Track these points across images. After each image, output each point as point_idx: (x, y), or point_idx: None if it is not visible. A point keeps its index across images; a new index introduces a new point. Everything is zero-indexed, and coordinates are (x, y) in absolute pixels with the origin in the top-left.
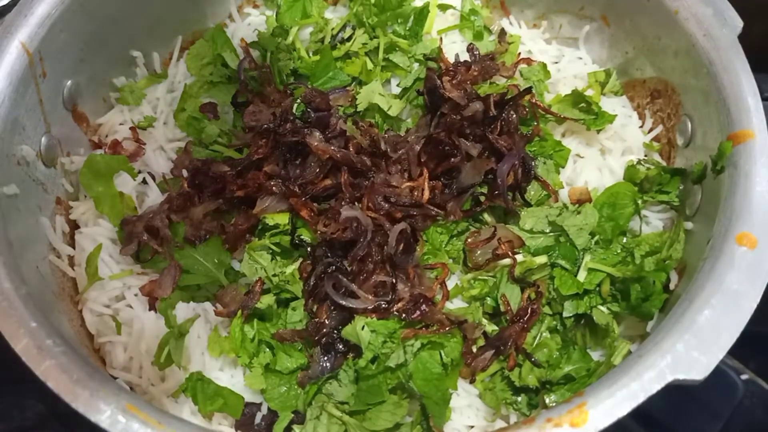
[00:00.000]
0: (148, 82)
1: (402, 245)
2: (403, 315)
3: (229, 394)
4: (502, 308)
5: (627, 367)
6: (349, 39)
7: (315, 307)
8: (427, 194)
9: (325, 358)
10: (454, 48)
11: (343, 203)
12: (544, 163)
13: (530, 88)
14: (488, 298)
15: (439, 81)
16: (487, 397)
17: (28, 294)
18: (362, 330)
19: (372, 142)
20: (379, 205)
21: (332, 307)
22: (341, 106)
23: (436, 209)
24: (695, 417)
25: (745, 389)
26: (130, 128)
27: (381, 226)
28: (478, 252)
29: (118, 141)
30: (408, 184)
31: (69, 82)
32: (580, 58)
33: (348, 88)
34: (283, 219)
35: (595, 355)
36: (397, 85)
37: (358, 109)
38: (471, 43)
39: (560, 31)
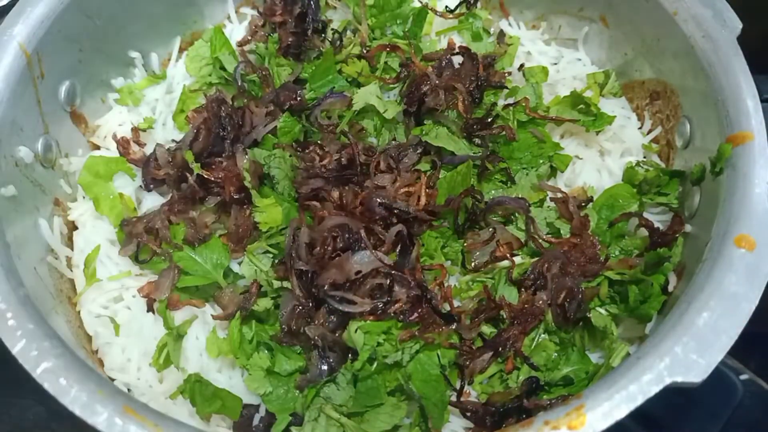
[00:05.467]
0: (147, 83)
1: (399, 247)
2: (401, 317)
3: (227, 396)
4: (503, 313)
5: (625, 370)
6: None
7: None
8: (423, 201)
9: (323, 362)
10: None
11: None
12: (527, 174)
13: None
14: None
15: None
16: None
17: (26, 295)
18: (356, 333)
19: (366, 154)
20: (374, 210)
21: (329, 312)
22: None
23: (430, 216)
24: (695, 417)
25: (745, 389)
26: (132, 129)
27: (372, 230)
28: (477, 254)
29: (127, 139)
30: (405, 189)
31: (67, 83)
32: (579, 60)
33: (345, 93)
34: (276, 221)
35: (594, 357)
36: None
37: (354, 110)
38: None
39: (559, 32)
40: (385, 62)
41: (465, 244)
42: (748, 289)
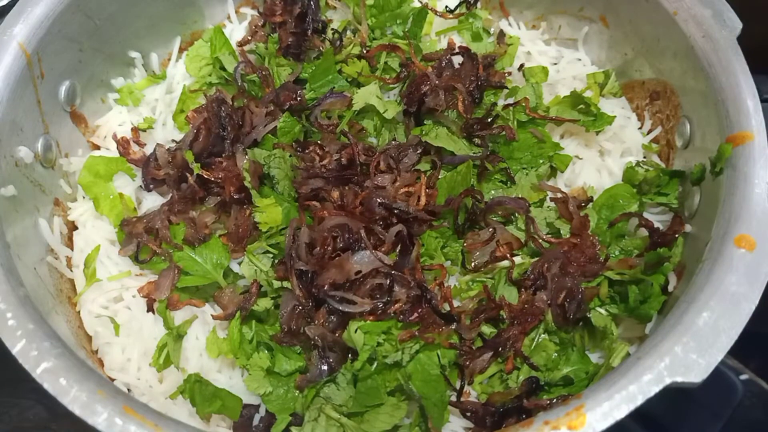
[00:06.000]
0: (147, 83)
1: (399, 247)
2: (401, 317)
3: (227, 396)
4: (503, 313)
5: (625, 370)
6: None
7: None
8: (423, 201)
9: (323, 362)
10: None
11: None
12: (527, 174)
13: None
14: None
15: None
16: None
17: (26, 296)
18: (355, 333)
19: (366, 153)
20: (374, 210)
21: (329, 312)
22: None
23: (430, 216)
24: (695, 417)
25: (745, 389)
26: (132, 129)
27: (372, 230)
28: (477, 254)
29: (127, 139)
30: (405, 189)
31: (67, 83)
32: (579, 60)
33: (345, 93)
34: (276, 221)
35: (594, 357)
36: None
37: (354, 110)
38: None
39: (559, 32)
40: (385, 62)
41: (465, 244)
42: (748, 289)
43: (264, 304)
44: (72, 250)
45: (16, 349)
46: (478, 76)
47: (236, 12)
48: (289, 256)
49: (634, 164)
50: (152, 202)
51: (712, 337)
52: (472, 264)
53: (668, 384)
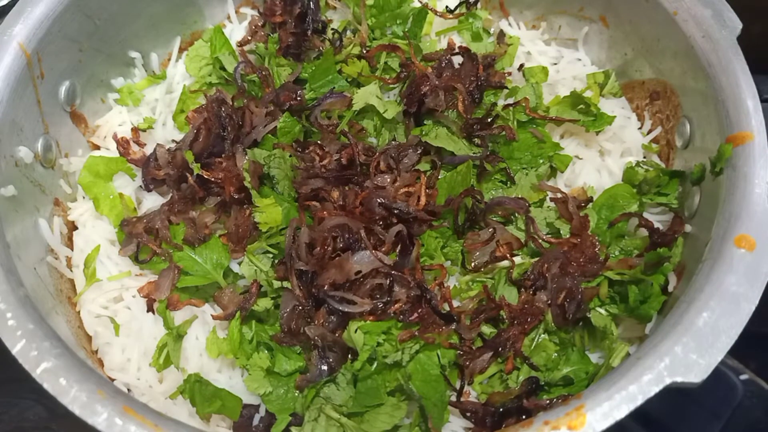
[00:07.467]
0: (147, 83)
1: (399, 247)
2: (401, 317)
3: (227, 396)
4: (503, 313)
5: (625, 370)
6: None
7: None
8: (423, 201)
9: (323, 362)
10: None
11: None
12: (527, 174)
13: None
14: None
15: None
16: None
17: (26, 296)
18: (356, 333)
19: (366, 153)
20: (374, 210)
21: (329, 312)
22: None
23: (430, 216)
24: (695, 417)
25: (745, 389)
26: (132, 129)
27: (372, 230)
28: (477, 254)
29: (127, 139)
30: (405, 189)
31: (67, 83)
32: (579, 60)
33: (345, 93)
34: (276, 221)
35: (594, 357)
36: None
37: (354, 110)
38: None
39: (559, 32)
40: (385, 62)
41: (465, 244)
42: (748, 289)
43: (264, 304)
44: (72, 250)
45: (16, 349)
46: (478, 76)
47: (236, 12)
48: (289, 256)
49: (634, 164)
50: (152, 202)
51: (712, 337)
52: (472, 264)
53: (668, 384)
